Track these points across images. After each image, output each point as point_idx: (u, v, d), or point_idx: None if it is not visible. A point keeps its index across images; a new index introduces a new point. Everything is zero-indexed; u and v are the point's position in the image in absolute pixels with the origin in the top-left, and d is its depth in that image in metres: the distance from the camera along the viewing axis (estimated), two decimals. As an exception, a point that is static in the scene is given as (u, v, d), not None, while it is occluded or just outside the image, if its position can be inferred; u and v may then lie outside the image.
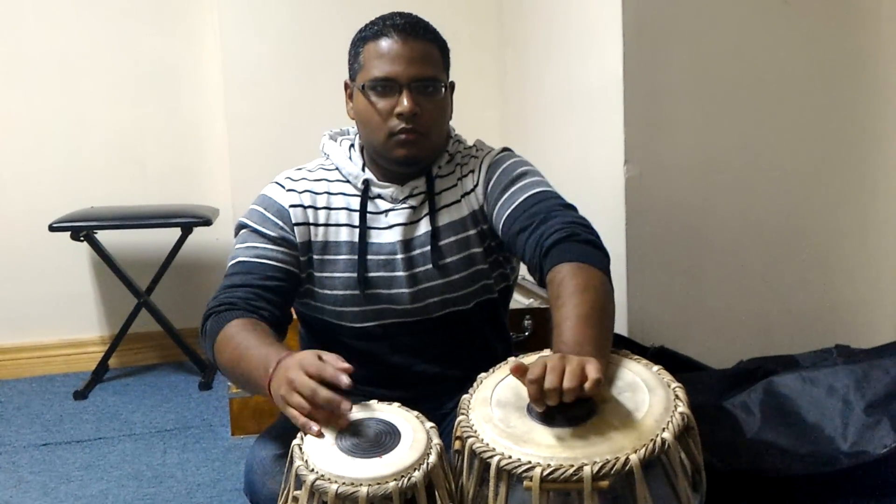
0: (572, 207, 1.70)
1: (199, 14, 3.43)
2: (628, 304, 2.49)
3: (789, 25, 2.53)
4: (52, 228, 3.06)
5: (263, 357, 1.47)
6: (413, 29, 1.69)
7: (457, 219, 1.77)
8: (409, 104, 1.65)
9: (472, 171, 1.80)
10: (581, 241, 1.57)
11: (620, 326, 2.49)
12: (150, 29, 3.42)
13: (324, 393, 1.33)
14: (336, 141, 1.84)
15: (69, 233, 3.12)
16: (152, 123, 3.47)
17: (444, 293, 1.75)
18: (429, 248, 1.74)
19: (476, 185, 1.79)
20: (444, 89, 1.71)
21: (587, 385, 1.23)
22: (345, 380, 1.33)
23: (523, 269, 1.92)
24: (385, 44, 1.67)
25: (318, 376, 1.34)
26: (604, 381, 1.30)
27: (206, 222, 3.15)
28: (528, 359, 1.51)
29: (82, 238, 3.17)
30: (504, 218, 1.70)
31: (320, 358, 1.38)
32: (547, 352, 1.51)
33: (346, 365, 1.36)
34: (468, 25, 3.44)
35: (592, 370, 1.24)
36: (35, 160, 3.39)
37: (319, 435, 1.32)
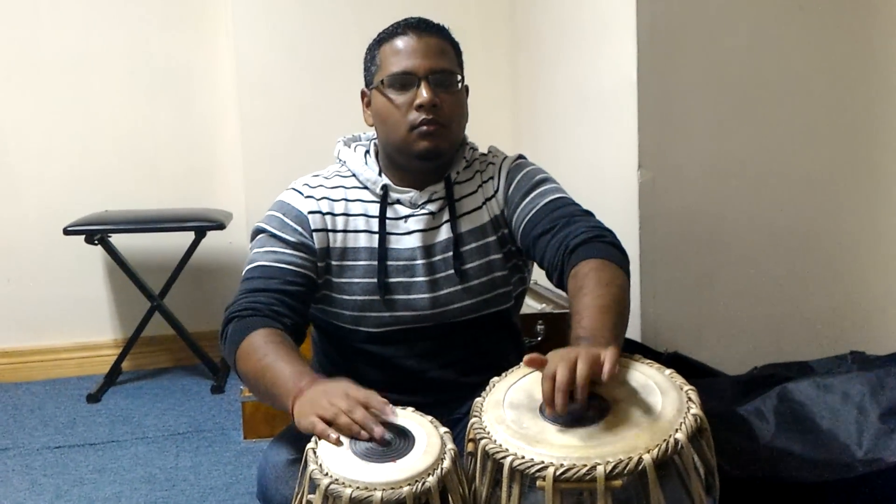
0: (591, 214, 1.73)
1: (212, 17, 3.44)
2: (642, 310, 2.49)
3: (804, 30, 2.52)
4: (66, 232, 3.08)
5: (295, 373, 1.47)
6: (427, 25, 1.72)
7: (478, 225, 1.78)
8: (428, 95, 1.66)
9: (493, 177, 1.81)
10: (606, 243, 1.61)
11: (634, 332, 2.48)
12: (163, 31, 3.43)
13: (360, 412, 1.35)
14: (350, 147, 1.85)
15: (83, 236, 3.14)
16: (166, 126, 3.48)
17: (464, 299, 1.76)
18: (451, 254, 1.75)
19: (497, 191, 1.80)
20: (460, 83, 1.73)
21: (604, 372, 1.25)
22: (388, 408, 1.37)
23: (536, 273, 1.92)
24: (401, 41, 1.70)
25: (365, 403, 1.37)
26: (616, 381, 1.32)
27: (220, 226, 3.16)
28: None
29: (96, 241, 3.18)
30: (525, 221, 1.72)
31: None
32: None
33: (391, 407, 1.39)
34: (480, 27, 3.45)
35: (608, 357, 1.27)
36: (49, 164, 3.41)
37: (338, 443, 1.32)
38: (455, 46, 1.76)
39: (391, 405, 1.38)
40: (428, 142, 1.69)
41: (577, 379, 1.24)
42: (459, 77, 1.73)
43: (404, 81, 1.68)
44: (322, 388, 1.42)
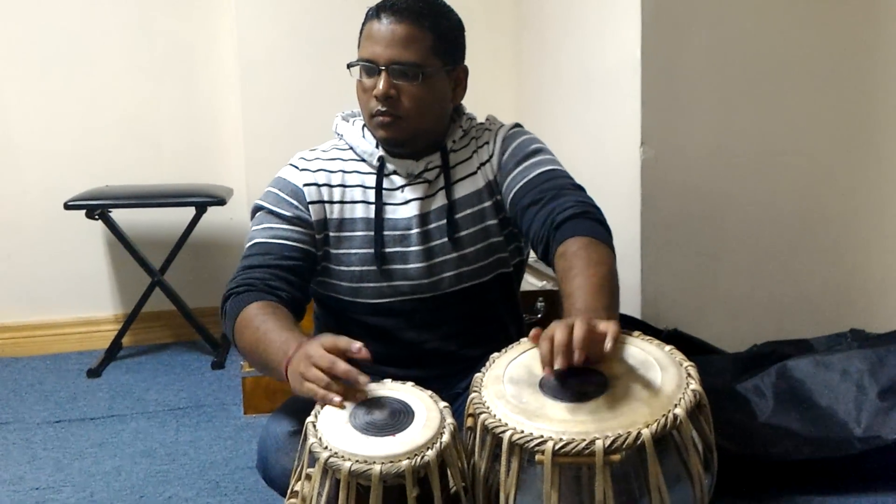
0: (582, 188, 1.73)
1: (214, -6, 3.43)
2: (642, 287, 2.49)
3: (808, 10, 2.52)
4: (67, 207, 3.07)
5: (283, 342, 1.49)
6: (406, 12, 1.67)
7: (473, 191, 1.78)
8: (382, 87, 1.66)
9: (488, 143, 1.82)
10: (592, 220, 1.61)
11: (634, 309, 2.49)
12: (166, 8, 3.41)
13: (342, 365, 1.36)
14: (349, 122, 1.85)
15: (84, 211, 3.13)
16: (167, 103, 3.47)
17: (460, 267, 1.77)
18: (445, 221, 1.75)
19: (491, 156, 1.80)
20: (422, 75, 1.68)
21: (607, 342, 1.26)
22: (356, 344, 1.37)
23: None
24: (375, 25, 1.69)
25: (334, 347, 1.38)
26: (615, 357, 1.32)
27: (221, 202, 3.16)
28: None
29: (97, 216, 3.18)
30: (515, 190, 1.73)
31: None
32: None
33: (359, 343, 1.39)
34: (484, 6, 3.42)
35: (609, 329, 1.27)
36: (51, 139, 3.40)
37: (341, 406, 1.33)
38: (439, 32, 1.70)
39: (361, 375, 1.36)
40: (384, 131, 1.71)
41: (575, 341, 1.25)
42: (425, 69, 1.68)
43: (368, 69, 1.69)
44: (304, 349, 1.44)
